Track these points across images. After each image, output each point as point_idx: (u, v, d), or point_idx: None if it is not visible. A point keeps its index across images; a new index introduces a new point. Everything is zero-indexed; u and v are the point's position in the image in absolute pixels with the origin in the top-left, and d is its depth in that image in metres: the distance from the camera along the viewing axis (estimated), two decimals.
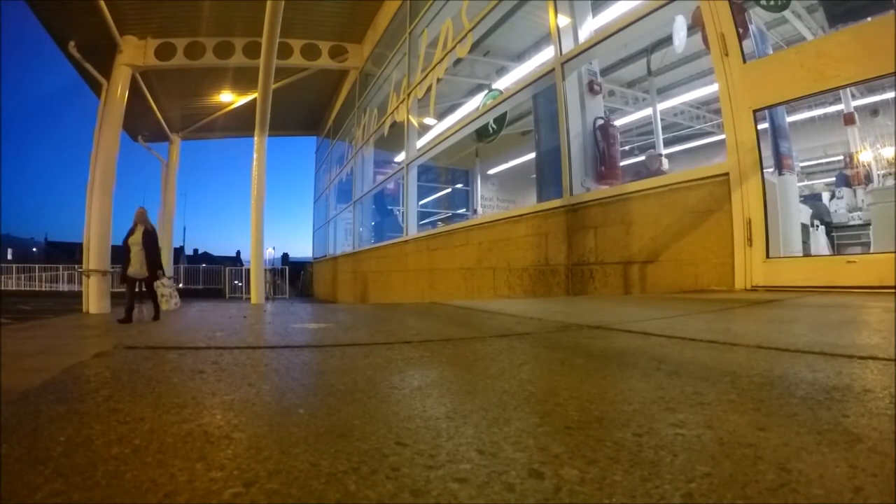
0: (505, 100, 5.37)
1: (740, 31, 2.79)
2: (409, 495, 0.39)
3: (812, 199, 6.65)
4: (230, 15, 7.97)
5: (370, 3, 8.59)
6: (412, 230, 7.17)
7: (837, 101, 7.14)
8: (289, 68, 9.01)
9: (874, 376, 0.75)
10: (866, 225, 5.29)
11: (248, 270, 13.88)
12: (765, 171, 2.66)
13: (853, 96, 6.96)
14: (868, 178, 6.22)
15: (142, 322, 4.92)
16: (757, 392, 0.68)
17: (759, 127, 2.70)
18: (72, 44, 7.49)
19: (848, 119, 6.59)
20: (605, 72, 6.77)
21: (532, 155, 6.50)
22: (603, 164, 4.21)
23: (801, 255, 3.36)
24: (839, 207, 6.16)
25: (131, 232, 5.27)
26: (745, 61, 2.71)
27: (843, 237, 5.62)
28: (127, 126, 8.75)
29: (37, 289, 18.85)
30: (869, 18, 2.61)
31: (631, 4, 3.76)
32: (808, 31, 5.57)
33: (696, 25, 3.98)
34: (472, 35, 5.68)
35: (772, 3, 3.68)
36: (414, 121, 7.15)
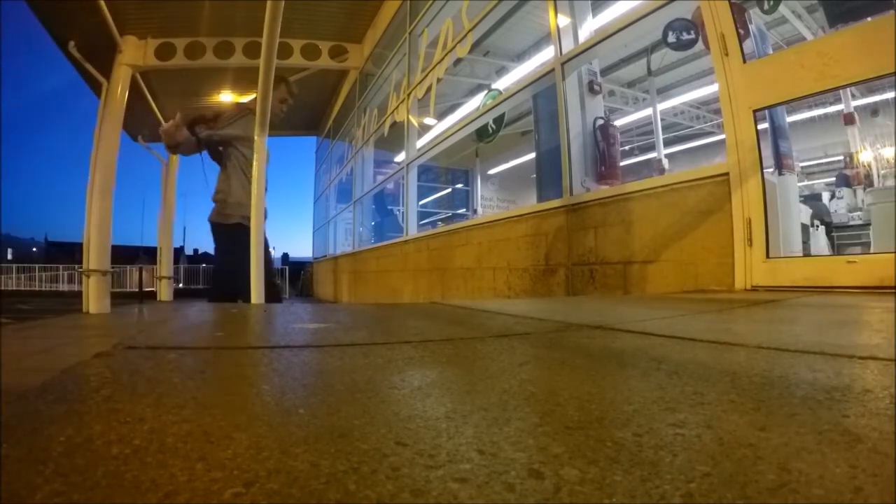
0: (505, 100, 5.37)
1: (740, 31, 2.79)
2: (409, 495, 0.39)
3: (812, 199, 6.66)
4: (230, 15, 7.97)
5: (370, 3, 8.59)
6: (412, 230, 7.17)
7: (837, 101, 7.14)
8: (289, 68, 9.00)
9: (874, 376, 0.75)
10: (866, 225, 5.30)
11: None
12: (765, 171, 2.66)
13: (853, 96, 6.96)
14: (868, 178, 6.22)
15: (142, 322, 4.91)
16: (757, 392, 0.68)
17: (759, 127, 2.70)
18: (72, 44, 7.48)
19: (848, 119, 6.60)
20: (605, 72, 6.78)
21: (532, 155, 6.50)
22: (603, 164, 4.21)
23: (801, 255, 3.36)
24: (839, 207, 6.16)
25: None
26: (745, 61, 2.71)
27: (843, 237, 5.62)
28: (127, 126, 8.74)
29: (37, 289, 18.85)
30: (869, 18, 2.61)
31: (631, 4, 3.77)
32: (808, 31, 5.57)
33: (696, 25, 3.98)
34: (472, 35, 5.68)
35: (766, 7, 3.69)
36: (414, 121, 7.15)
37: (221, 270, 2.80)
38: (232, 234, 2.58)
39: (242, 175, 2.66)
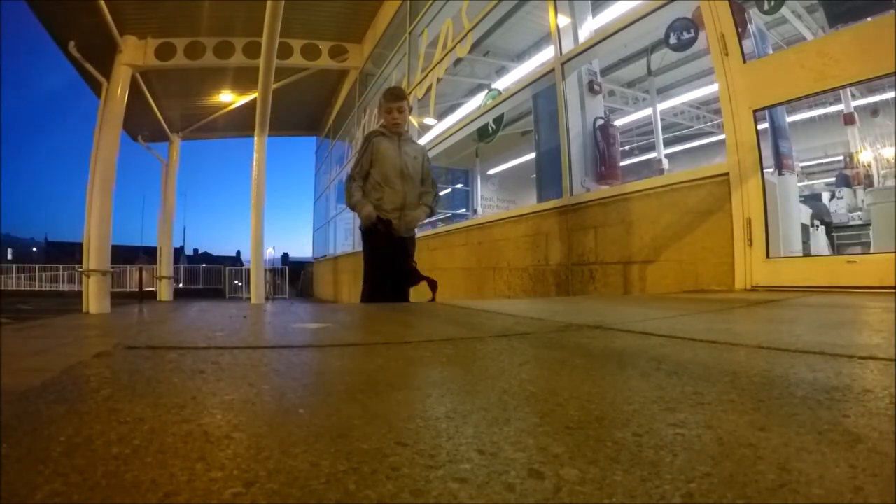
0: (505, 100, 5.37)
1: (740, 31, 2.79)
2: (409, 495, 0.39)
3: (812, 199, 6.65)
4: (230, 15, 7.97)
5: (370, 3, 8.59)
6: None
7: (837, 101, 7.13)
8: (289, 68, 9.00)
9: (874, 376, 0.75)
10: (866, 225, 5.29)
11: (248, 270, 13.89)
12: (765, 171, 2.66)
13: (853, 96, 6.95)
14: (868, 178, 6.22)
15: (142, 322, 4.92)
16: (757, 392, 0.68)
17: (759, 127, 2.70)
18: (72, 44, 7.48)
19: (848, 119, 6.59)
20: (605, 72, 6.77)
21: (532, 155, 6.50)
22: (603, 164, 4.21)
23: (801, 255, 3.36)
24: (839, 207, 6.15)
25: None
26: (745, 61, 2.72)
27: (843, 237, 5.62)
28: (127, 126, 8.75)
29: (37, 289, 18.85)
30: (869, 18, 2.61)
31: (631, 4, 3.77)
32: (808, 31, 5.57)
33: (696, 24, 3.98)
34: (472, 35, 5.68)
35: (767, 7, 3.69)
36: (414, 121, 7.15)
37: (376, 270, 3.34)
38: (370, 234, 3.17)
39: (378, 188, 3.16)
